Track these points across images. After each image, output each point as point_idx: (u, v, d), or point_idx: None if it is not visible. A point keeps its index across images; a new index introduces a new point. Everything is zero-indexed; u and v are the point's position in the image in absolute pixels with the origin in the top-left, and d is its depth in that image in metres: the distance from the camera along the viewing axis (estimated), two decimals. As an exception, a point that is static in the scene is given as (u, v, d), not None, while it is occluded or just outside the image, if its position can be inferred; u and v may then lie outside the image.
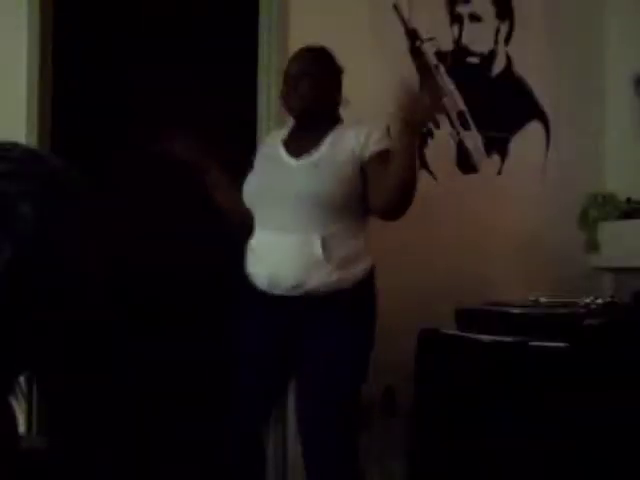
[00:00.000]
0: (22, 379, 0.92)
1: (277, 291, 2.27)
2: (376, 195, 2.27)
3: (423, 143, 3.16)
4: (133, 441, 2.48)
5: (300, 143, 2.36)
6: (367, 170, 2.30)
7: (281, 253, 2.24)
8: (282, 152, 2.38)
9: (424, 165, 3.15)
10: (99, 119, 2.99)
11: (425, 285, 2.99)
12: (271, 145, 2.46)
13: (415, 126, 2.27)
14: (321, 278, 2.22)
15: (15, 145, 0.91)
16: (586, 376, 2.25)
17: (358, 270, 2.29)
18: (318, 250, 2.21)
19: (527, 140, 3.38)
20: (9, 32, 2.83)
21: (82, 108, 2.97)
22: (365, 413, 2.95)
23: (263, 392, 2.38)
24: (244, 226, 2.39)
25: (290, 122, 2.49)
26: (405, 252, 3.03)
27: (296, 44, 2.68)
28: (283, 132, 2.47)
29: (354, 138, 2.31)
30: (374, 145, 2.30)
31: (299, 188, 2.24)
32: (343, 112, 2.46)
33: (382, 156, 2.28)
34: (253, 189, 2.37)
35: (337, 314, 2.25)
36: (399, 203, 2.25)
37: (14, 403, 0.93)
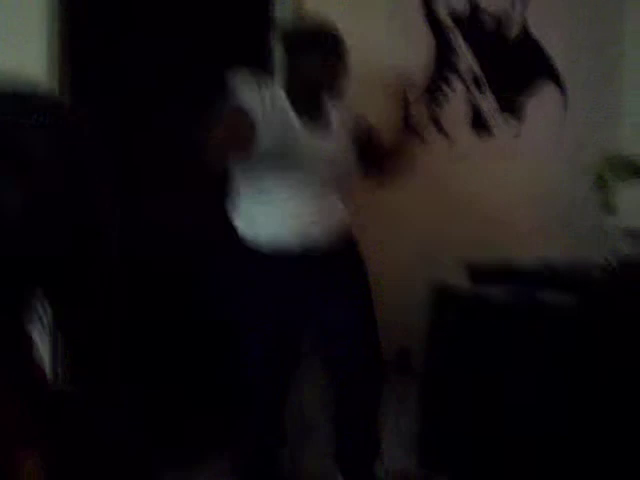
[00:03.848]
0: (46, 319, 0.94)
1: (303, 249, 2.34)
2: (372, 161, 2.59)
3: (437, 106, 3.16)
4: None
5: (306, 109, 2.42)
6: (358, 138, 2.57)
7: (310, 213, 2.38)
8: (294, 117, 2.40)
9: (438, 127, 3.16)
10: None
11: (439, 245, 3.00)
12: (274, 107, 2.38)
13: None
14: (341, 231, 2.43)
15: (27, 84, 0.93)
16: (595, 330, 2.27)
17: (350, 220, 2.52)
18: (341, 206, 2.43)
19: (543, 103, 3.36)
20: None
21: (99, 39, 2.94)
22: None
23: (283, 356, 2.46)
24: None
25: (274, 84, 2.49)
26: (418, 212, 3.05)
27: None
28: (277, 94, 2.43)
29: (347, 112, 2.53)
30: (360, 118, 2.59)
31: (330, 153, 2.40)
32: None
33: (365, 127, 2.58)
34: (276, 153, 2.33)
35: (350, 265, 2.48)
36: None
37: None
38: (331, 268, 2.41)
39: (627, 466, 2.22)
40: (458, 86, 3.22)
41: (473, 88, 3.26)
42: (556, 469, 2.27)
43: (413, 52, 3.11)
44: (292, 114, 2.40)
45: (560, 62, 3.40)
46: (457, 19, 3.23)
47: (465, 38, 3.23)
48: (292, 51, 2.43)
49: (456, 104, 3.20)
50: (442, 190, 3.07)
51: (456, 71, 3.22)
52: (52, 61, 2.67)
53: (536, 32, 3.36)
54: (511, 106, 3.30)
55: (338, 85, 2.42)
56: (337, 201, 2.43)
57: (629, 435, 2.22)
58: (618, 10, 3.50)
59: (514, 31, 3.33)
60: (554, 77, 3.40)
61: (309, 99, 2.44)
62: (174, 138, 2.86)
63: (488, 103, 3.28)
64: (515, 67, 3.32)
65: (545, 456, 2.30)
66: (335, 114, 2.47)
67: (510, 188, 3.24)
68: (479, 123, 3.26)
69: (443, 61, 3.18)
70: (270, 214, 2.38)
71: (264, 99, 2.37)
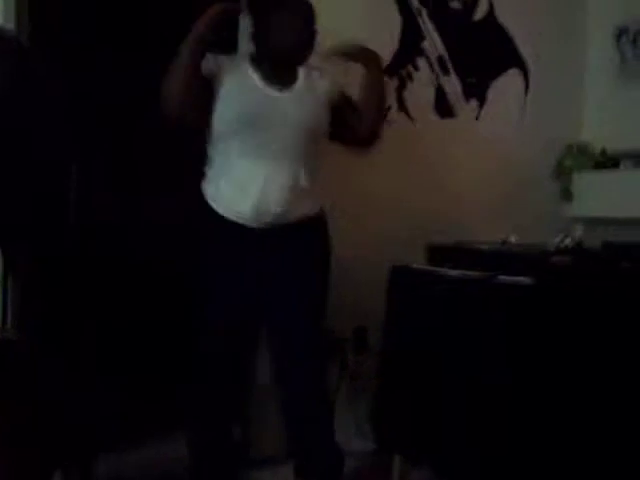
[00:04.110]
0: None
1: (261, 221, 2.31)
2: (359, 122, 2.46)
3: (402, 86, 3.17)
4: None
5: (273, 76, 2.37)
6: (340, 106, 2.45)
7: (269, 182, 2.30)
8: (258, 82, 2.37)
9: (402, 108, 3.16)
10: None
11: (399, 226, 3.02)
12: (239, 73, 2.39)
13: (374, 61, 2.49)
14: (304, 208, 2.35)
15: None
16: (550, 312, 2.29)
17: (321, 201, 2.44)
18: (304, 181, 2.33)
19: (506, 87, 3.40)
20: None
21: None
22: (337, 351, 3.00)
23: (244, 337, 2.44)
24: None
25: (243, 56, 2.48)
26: (379, 192, 3.06)
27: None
28: (242, 63, 2.41)
29: (322, 80, 2.43)
30: (339, 86, 2.48)
31: (293, 119, 2.32)
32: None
33: (345, 95, 2.48)
34: (238, 116, 2.33)
35: (312, 241, 2.40)
36: (380, 124, 2.51)
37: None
38: (289, 240, 2.36)
39: (579, 438, 2.26)
40: (423, 66, 3.23)
41: (438, 69, 3.26)
42: (512, 444, 2.29)
43: (381, 31, 3.10)
44: (257, 80, 2.37)
45: (524, 48, 3.43)
46: (425, 0, 3.23)
47: (432, 20, 3.23)
48: (261, 14, 2.39)
49: (420, 84, 3.21)
50: (402, 170, 3.08)
51: (422, 52, 3.22)
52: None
53: (502, 17, 3.38)
54: (474, 88, 3.32)
55: (307, 49, 2.39)
56: (301, 171, 2.34)
57: (584, 411, 2.26)
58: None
59: (480, 15, 3.35)
60: (518, 62, 3.43)
61: (277, 64, 2.39)
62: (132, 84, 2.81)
63: (451, 84, 3.29)
64: (480, 50, 3.34)
65: (502, 430, 2.33)
66: (306, 79, 2.40)
67: (470, 170, 3.27)
68: (442, 104, 3.27)
69: (409, 41, 3.18)
70: (230, 184, 2.35)
71: (227, 67, 2.37)
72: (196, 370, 2.43)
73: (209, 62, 2.33)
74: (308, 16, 2.39)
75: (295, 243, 2.37)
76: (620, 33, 3.49)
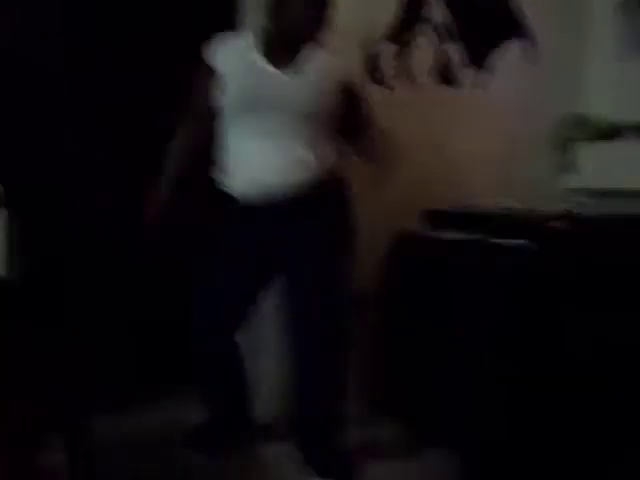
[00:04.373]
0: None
1: (264, 195, 2.33)
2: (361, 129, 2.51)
3: (406, 53, 3.16)
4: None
5: (278, 57, 2.38)
6: (347, 96, 2.45)
7: (271, 158, 2.34)
8: (261, 63, 2.38)
9: (404, 73, 3.15)
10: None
11: (398, 191, 2.99)
12: (241, 55, 2.42)
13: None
14: (309, 178, 2.36)
15: None
16: (548, 275, 2.30)
17: (336, 172, 2.45)
18: (308, 155, 2.35)
19: (508, 57, 3.38)
20: None
21: None
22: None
23: (240, 298, 2.49)
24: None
25: (250, 35, 2.49)
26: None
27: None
28: (248, 42, 2.43)
29: (333, 65, 2.43)
30: (351, 76, 2.50)
31: (294, 101, 2.34)
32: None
33: (355, 88, 2.49)
34: (238, 98, 2.37)
35: (327, 216, 2.40)
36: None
37: None
38: (297, 218, 2.38)
39: (578, 404, 2.27)
40: (427, 35, 3.22)
41: (440, 37, 3.25)
42: (509, 409, 2.30)
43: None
44: (260, 61, 2.38)
45: (528, 17, 3.40)
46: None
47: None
48: None
49: (424, 53, 3.20)
50: (405, 137, 3.06)
51: (426, 20, 3.21)
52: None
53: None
54: (478, 58, 3.31)
55: (317, 28, 2.37)
56: (305, 149, 2.36)
57: (580, 375, 2.27)
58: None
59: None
60: (520, 31, 3.41)
61: (285, 44, 2.39)
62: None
63: (456, 54, 3.28)
64: (484, 20, 3.32)
65: (500, 394, 2.34)
66: (315, 62, 2.40)
67: (470, 138, 3.26)
68: (444, 72, 3.26)
69: (414, 10, 3.16)
70: (236, 164, 2.39)
71: (228, 53, 2.41)
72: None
73: (211, 60, 2.39)
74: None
75: (307, 215, 2.38)
76: (625, 3, 3.46)
